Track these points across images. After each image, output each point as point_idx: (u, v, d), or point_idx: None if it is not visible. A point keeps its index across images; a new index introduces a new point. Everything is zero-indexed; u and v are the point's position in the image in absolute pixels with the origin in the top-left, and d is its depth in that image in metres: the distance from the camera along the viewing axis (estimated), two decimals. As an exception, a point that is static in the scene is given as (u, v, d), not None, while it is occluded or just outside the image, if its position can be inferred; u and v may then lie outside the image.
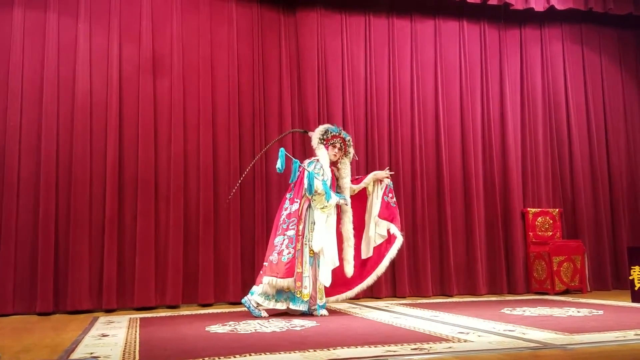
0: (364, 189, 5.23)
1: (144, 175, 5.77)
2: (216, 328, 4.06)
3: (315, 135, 5.04)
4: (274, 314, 4.76)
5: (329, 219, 4.79)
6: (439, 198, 6.64)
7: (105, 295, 5.48)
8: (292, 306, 4.68)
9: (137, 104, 5.87)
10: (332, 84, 6.50)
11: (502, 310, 4.82)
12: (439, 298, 6.23)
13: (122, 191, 5.72)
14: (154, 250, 5.72)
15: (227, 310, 5.39)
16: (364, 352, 3.01)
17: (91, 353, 3.18)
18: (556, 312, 4.66)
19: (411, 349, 3.06)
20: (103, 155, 5.70)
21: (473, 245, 6.61)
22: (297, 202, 4.79)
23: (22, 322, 4.89)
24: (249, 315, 4.72)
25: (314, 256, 4.76)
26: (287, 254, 4.64)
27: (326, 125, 5.13)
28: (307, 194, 4.75)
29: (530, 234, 6.74)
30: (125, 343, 3.52)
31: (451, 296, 6.37)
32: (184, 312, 5.37)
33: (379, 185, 5.20)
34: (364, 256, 5.09)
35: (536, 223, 6.78)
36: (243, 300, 4.81)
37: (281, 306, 4.69)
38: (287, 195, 4.92)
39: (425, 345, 3.15)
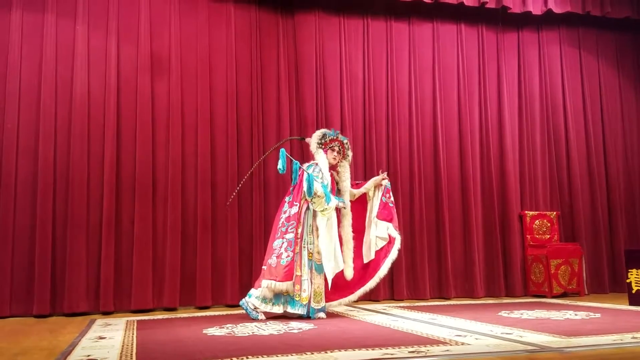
0: (365, 194, 5.24)
1: (142, 177, 5.77)
2: (213, 331, 4.06)
3: (313, 140, 5.04)
4: (271, 317, 4.75)
5: (330, 222, 4.79)
6: (436, 201, 6.65)
7: (103, 297, 5.47)
8: (289, 309, 4.67)
9: (135, 106, 5.87)
10: (330, 86, 6.50)
11: (500, 313, 4.82)
12: (436, 301, 6.23)
13: (119, 193, 5.72)
14: (152, 253, 5.71)
15: (224, 313, 5.39)
16: (361, 355, 3.01)
17: (88, 355, 3.18)
18: (554, 315, 4.66)
19: (409, 352, 3.06)
20: (101, 157, 5.70)
21: (471, 248, 6.61)
22: (296, 205, 4.79)
23: (19, 324, 4.88)
24: (246, 317, 4.72)
25: (313, 259, 4.76)
26: (286, 257, 4.64)
27: (323, 130, 5.13)
28: (306, 196, 4.75)
29: (528, 236, 6.75)
30: (123, 345, 3.51)
31: (449, 299, 6.37)
32: (182, 314, 5.36)
33: (379, 189, 5.22)
34: (365, 260, 5.08)
35: (534, 226, 6.78)
36: (241, 303, 4.81)
37: (278, 309, 4.68)
38: (286, 199, 4.92)
39: (423, 348, 3.15)
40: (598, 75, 7.46)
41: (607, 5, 7.06)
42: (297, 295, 4.66)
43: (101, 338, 3.85)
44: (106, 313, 5.46)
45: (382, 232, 5.08)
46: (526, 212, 6.81)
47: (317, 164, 4.94)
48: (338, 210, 4.96)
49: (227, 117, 6.14)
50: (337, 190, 5.06)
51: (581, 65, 7.40)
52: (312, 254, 4.75)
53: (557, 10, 6.91)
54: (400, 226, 6.27)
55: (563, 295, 6.40)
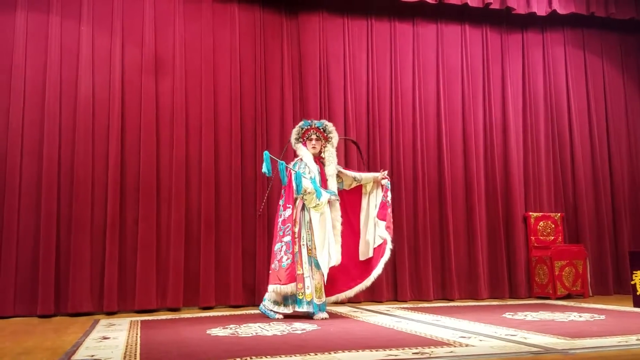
0: (360, 187, 5.24)
1: (146, 177, 5.77)
2: (217, 331, 4.06)
3: (292, 136, 5.12)
4: (287, 316, 4.82)
5: (323, 217, 4.82)
6: (440, 202, 6.63)
7: (107, 297, 5.47)
8: (297, 309, 4.75)
9: (139, 107, 5.88)
10: (334, 87, 6.50)
11: (504, 315, 4.81)
12: (440, 302, 6.22)
13: (123, 193, 5.73)
14: (155, 253, 5.71)
15: (228, 313, 5.39)
16: (365, 356, 3.00)
17: (92, 356, 3.18)
18: (558, 316, 4.65)
19: (412, 353, 3.05)
20: (105, 158, 5.71)
21: (475, 249, 6.59)
22: (289, 207, 4.82)
23: (23, 324, 4.89)
24: (250, 318, 4.76)
25: (312, 255, 4.78)
26: (286, 260, 4.71)
27: (299, 124, 5.16)
28: (297, 194, 4.77)
29: (532, 238, 6.73)
30: (126, 346, 3.52)
31: (452, 300, 6.35)
32: (185, 315, 5.37)
33: (379, 188, 5.22)
34: (362, 257, 5.12)
35: (538, 227, 6.77)
36: (259, 308, 4.95)
37: (288, 310, 4.78)
38: (280, 202, 4.95)
39: (427, 350, 3.14)
40: (602, 77, 7.44)
41: (611, 6, 7.05)
42: (301, 294, 4.71)
43: (105, 338, 3.85)
44: (110, 313, 5.47)
45: (382, 231, 5.09)
46: (530, 213, 6.80)
47: (301, 159, 4.95)
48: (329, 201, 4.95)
49: (231, 117, 6.14)
50: (327, 178, 5.05)
51: (585, 66, 7.39)
52: (311, 250, 4.80)
53: (561, 11, 6.90)
54: (403, 226, 6.32)
55: (567, 297, 6.38)
